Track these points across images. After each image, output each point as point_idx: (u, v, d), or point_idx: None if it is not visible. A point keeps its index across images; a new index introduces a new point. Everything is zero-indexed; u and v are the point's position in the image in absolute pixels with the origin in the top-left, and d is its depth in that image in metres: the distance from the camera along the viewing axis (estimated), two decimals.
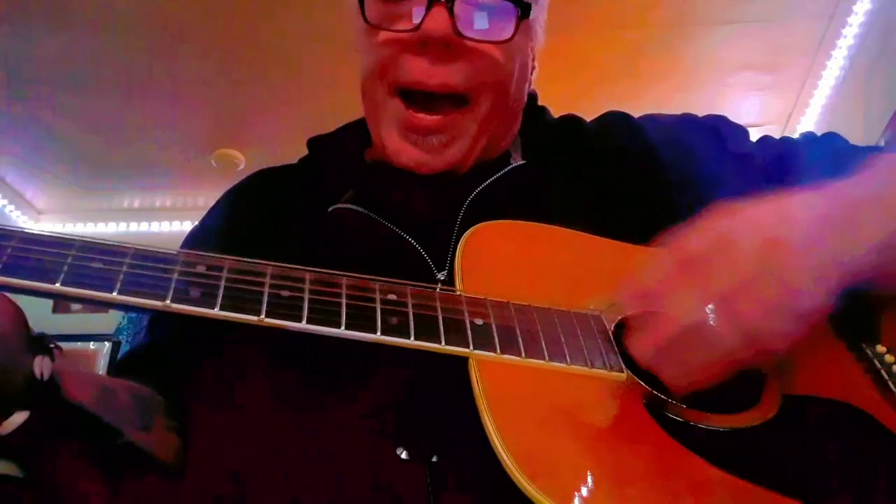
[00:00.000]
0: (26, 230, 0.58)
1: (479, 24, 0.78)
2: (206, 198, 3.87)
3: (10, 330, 0.56)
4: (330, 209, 0.81)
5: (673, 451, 0.57)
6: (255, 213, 0.86)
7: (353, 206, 0.80)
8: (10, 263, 0.55)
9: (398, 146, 0.81)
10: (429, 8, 0.75)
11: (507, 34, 0.78)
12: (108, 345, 3.65)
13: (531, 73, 0.90)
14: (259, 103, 3.15)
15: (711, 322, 0.57)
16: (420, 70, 0.78)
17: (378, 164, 0.87)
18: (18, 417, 0.57)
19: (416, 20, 0.76)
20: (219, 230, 0.87)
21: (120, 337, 3.59)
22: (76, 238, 0.58)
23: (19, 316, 0.58)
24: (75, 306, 3.79)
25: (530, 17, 0.80)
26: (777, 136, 0.92)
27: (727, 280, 0.58)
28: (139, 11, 2.65)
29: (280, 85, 3.01)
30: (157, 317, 0.81)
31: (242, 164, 3.52)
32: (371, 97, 0.84)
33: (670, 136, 0.87)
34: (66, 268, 0.55)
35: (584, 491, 0.53)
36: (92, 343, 3.68)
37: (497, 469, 0.53)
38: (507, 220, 0.74)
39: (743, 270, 0.58)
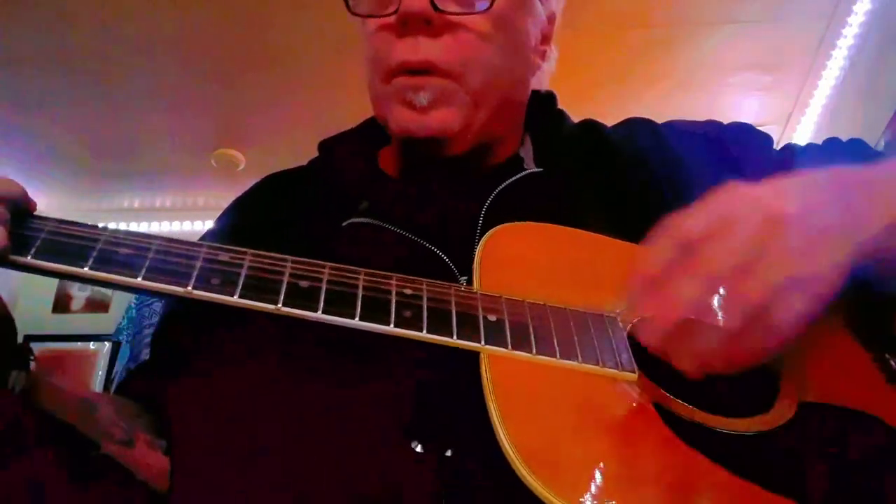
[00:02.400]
0: (59, 219, 0.62)
1: None
2: (206, 198, 3.88)
3: None
4: (345, 223, 0.80)
5: (681, 451, 0.57)
6: (267, 220, 0.86)
7: (371, 220, 0.80)
8: (45, 248, 0.58)
9: (396, 114, 0.80)
10: None
11: (485, 4, 0.78)
12: (108, 345, 3.64)
13: (540, 57, 0.88)
14: (259, 103, 3.15)
15: (716, 304, 0.55)
16: (404, 50, 0.78)
17: (391, 171, 0.87)
18: None
19: (399, 3, 0.77)
20: (229, 238, 0.87)
21: (120, 337, 3.59)
22: (106, 228, 0.62)
23: (8, 326, 0.61)
24: (75, 306, 3.80)
25: None
26: (777, 136, 0.92)
27: (729, 259, 0.56)
28: (139, 12, 2.65)
29: (280, 85, 3.01)
30: (161, 337, 0.82)
31: (242, 164, 3.52)
32: (373, 88, 0.84)
33: (694, 144, 0.86)
34: (95, 253, 0.59)
35: (586, 486, 0.53)
36: (92, 343, 3.67)
37: (509, 465, 0.53)
38: (527, 222, 0.74)
39: (745, 249, 0.56)
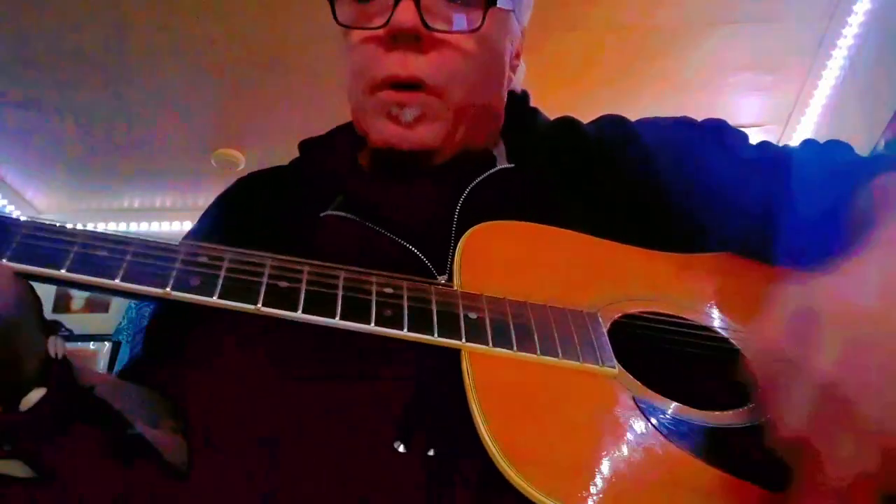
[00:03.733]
0: (35, 219, 0.61)
1: (446, 16, 0.79)
2: (206, 198, 3.84)
3: (27, 309, 0.59)
4: (322, 215, 0.81)
5: (662, 446, 0.57)
6: (245, 219, 0.86)
7: (345, 214, 0.80)
8: (20, 251, 0.58)
9: (379, 126, 0.81)
10: (397, 3, 0.77)
11: (476, 24, 0.80)
12: (108, 345, 3.65)
13: (512, 71, 0.90)
14: (259, 103, 3.15)
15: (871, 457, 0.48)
16: (392, 64, 0.79)
17: (368, 168, 0.88)
18: (35, 395, 0.59)
19: (387, 17, 0.78)
20: (209, 237, 0.88)
21: (120, 337, 3.59)
22: (81, 229, 0.61)
23: (36, 298, 0.60)
24: (75, 306, 3.80)
25: (498, 4, 0.81)
26: (777, 136, 0.92)
27: (878, 403, 0.48)
28: (140, 12, 2.65)
29: (280, 85, 3.01)
30: (153, 330, 0.82)
31: (242, 164, 3.52)
32: (354, 98, 0.85)
33: (668, 140, 0.87)
34: (72, 255, 0.58)
35: (570, 482, 0.53)
36: (92, 343, 3.68)
37: (492, 463, 0.53)
38: (506, 221, 0.75)
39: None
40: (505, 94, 0.90)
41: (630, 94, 2.98)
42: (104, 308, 3.81)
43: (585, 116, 0.95)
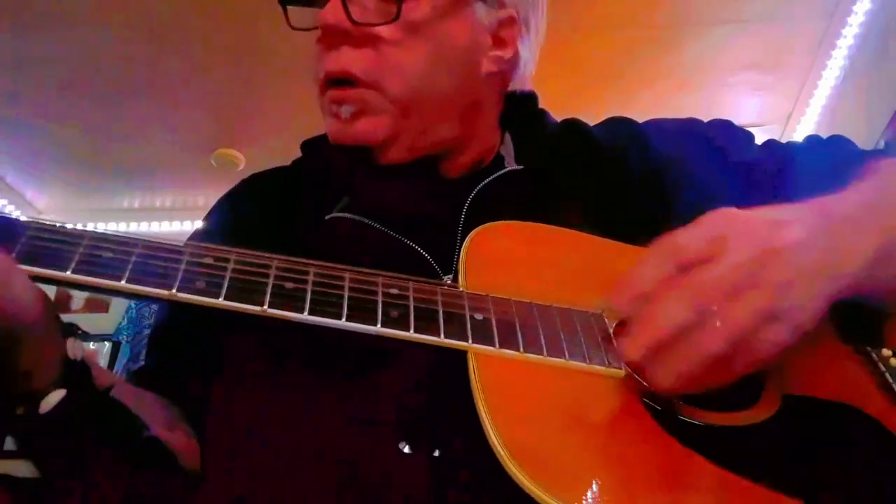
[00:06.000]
0: (40, 221, 0.61)
1: (375, 9, 0.79)
2: (206, 198, 3.87)
3: (45, 312, 0.59)
4: (327, 217, 0.81)
5: (668, 446, 0.58)
6: (250, 219, 0.86)
7: (352, 216, 0.80)
8: (25, 252, 0.57)
9: (327, 124, 0.83)
10: (327, 1, 0.79)
11: (392, 13, 0.79)
12: (108, 345, 3.64)
13: (492, 62, 0.86)
14: (259, 103, 3.15)
15: (701, 326, 0.56)
16: (327, 61, 0.81)
17: (370, 170, 0.88)
18: (55, 396, 0.59)
19: None
20: (213, 239, 0.88)
21: (120, 337, 3.59)
22: (87, 230, 0.60)
23: (50, 301, 0.60)
24: (75, 306, 3.79)
25: None
26: (777, 136, 0.92)
27: (720, 285, 0.57)
28: (139, 11, 2.65)
29: (280, 85, 3.01)
30: (157, 338, 0.83)
31: (242, 164, 3.52)
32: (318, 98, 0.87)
33: (675, 142, 0.86)
34: (77, 257, 0.58)
35: (576, 482, 0.53)
36: (92, 343, 3.67)
37: (498, 464, 0.53)
38: (512, 221, 0.75)
39: (737, 276, 0.58)
40: (480, 82, 0.86)
41: (630, 94, 2.98)
42: (104, 308, 3.80)
43: (586, 116, 0.95)
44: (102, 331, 3.68)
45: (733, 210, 0.62)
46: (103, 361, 3.61)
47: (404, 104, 0.80)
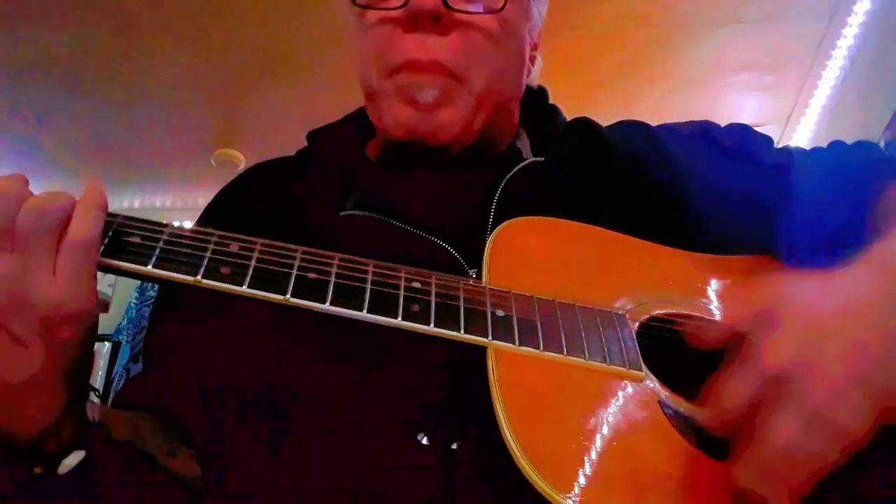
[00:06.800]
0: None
1: None
2: (206, 198, 3.80)
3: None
4: (342, 214, 0.79)
5: (685, 451, 0.57)
6: (258, 210, 0.84)
7: (368, 213, 0.78)
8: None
9: (396, 111, 0.78)
10: None
11: (498, 3, 0.77)
12: (108, 345, 3.64)
13: (531, 61, 0.88)
14: (259, 103, 3.15)
15: (809, 439, 0.52)
16: (412, 47, 0.76)
17: (377, 158, 0.86)
18: (74, 459, 0.60)
19: None
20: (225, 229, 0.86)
21: (120, 337, 3.59)
22: (117, 214, 0.61)
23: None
24: None
25: None
26: (777, 136, 0.92)
27: (821, 393, 0.52)
28: (139, 11, 2.65)
29: (280, 85, 3.01)
30: (154, 347, 0.81)
31: (242, 164, 3.52)
32: (368, 83, 0.81)
33: (692, 145, 0.85)
34: (106, 240, 0.58)
35: (590, 484, 0.53)
36: None
37: (514, 461, 0.53)
38: (538, 217, 0.74)
39: (835, 382, 0.53)
40: (523, 86, 0.87)
41: (630, 94, 2.98)
42: (104, 308, 3.80)
43: (586, 115, 0.95)
44: (102, 331, 3.67)
45: (797, 284, 0.58)
46: (103, 361, 3.61)
47: (481, 98, 0.78)
